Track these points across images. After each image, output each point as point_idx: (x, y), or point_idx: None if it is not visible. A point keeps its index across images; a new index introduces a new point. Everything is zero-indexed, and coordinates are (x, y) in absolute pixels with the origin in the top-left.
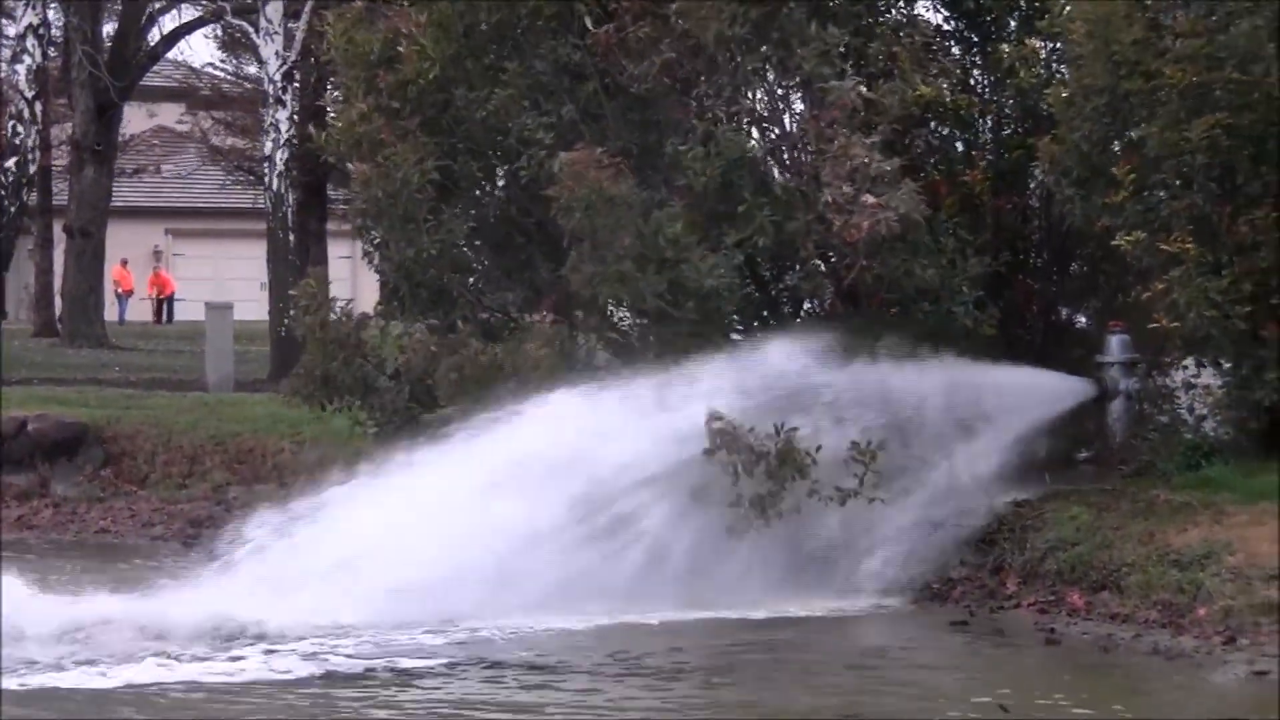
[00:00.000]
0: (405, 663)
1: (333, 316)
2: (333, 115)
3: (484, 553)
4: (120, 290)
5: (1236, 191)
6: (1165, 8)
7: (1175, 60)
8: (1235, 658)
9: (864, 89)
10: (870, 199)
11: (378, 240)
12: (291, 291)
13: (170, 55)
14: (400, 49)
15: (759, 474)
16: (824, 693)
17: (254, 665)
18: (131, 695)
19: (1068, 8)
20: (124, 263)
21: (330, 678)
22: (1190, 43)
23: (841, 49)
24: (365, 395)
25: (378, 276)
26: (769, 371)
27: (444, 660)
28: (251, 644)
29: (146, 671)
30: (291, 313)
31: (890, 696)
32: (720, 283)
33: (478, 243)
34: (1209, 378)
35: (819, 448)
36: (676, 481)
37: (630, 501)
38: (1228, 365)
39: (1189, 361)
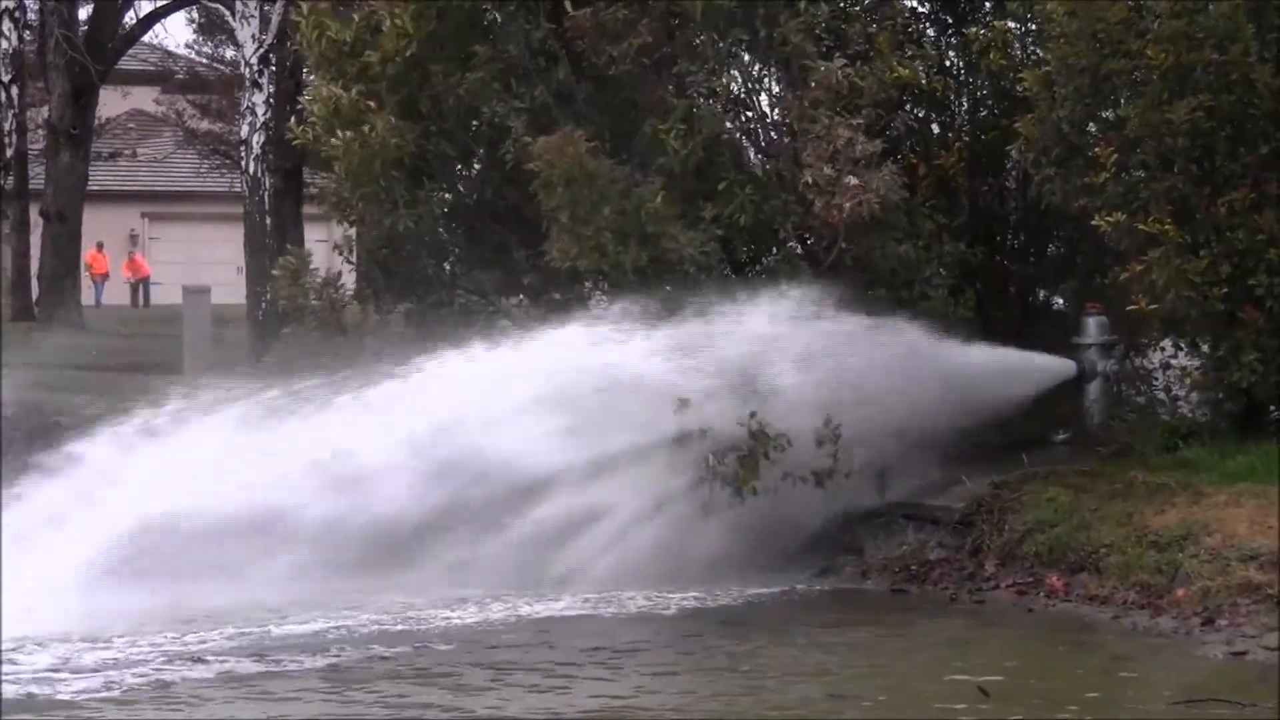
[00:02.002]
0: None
1: (315, 301)
2: (307, 100)
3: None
4: (93, 274)
5: (1215, 173)
6: None
7: (1156, 40)
8: (1213, 638)
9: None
10: (853, 180)
11: (354, 217)
12: (275, 271)
13: (146, 38)
14: (382, 30)
15: (730, 460)
16: (805, 675)
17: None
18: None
19: None
20: (99, 246)
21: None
22: (1170, 24)
23: (822, 27)
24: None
25: (352, 265)
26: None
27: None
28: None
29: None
30: (270, 290)
31: (871, 678)
32: (700, 254)
33: (454, 225)
34: (1186, 359)
35: (780, 435)
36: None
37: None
38: (1205, 346)
39: (1166, 343)
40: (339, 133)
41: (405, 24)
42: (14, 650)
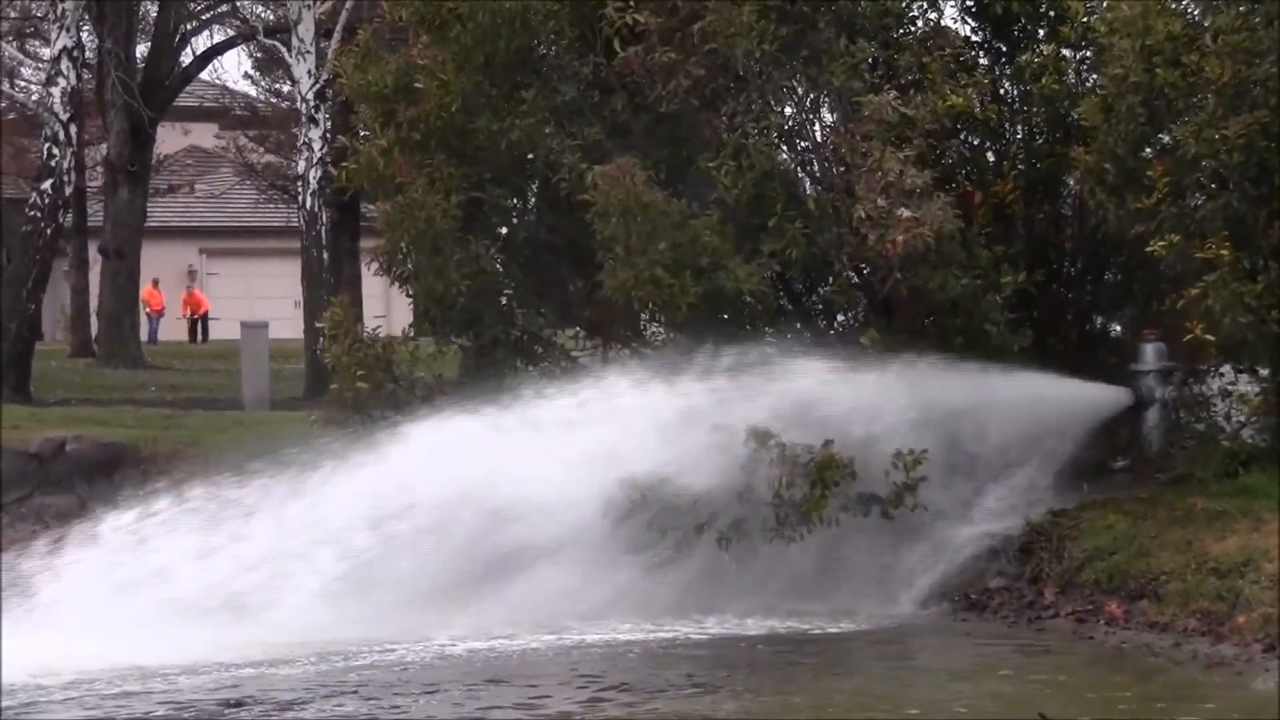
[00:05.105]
0: None
1: (360, 343)
2: (352, 153)
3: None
4: (150, 310)
5: (1274, 193)
6: (1205, 4)
7: (1215, 55)
8: (1275, 665)
9: (897, 102)
10: (905, 213)
11: (405, 273)
12: (319, 325)
13: (203, 75)
14: (418, 83)
15: (800, 482)
16: (864, 704)
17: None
18: None
19: (1094, 16)
20: (155, 283)
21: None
22: (1231, 38)
23: (870, 61)
24: (397, 418)
25: (408, 298)
26: (810, 384)
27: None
28: None
29: None
30: (321, 342)
31: (932, 706)
32: (758, 289)
33: (510, 260)
34: (1245, 385)
35: (851, 459)
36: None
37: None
38: (1264, 372)
39: (1225, 368)
40: (380, 204)
41: (449, 77)
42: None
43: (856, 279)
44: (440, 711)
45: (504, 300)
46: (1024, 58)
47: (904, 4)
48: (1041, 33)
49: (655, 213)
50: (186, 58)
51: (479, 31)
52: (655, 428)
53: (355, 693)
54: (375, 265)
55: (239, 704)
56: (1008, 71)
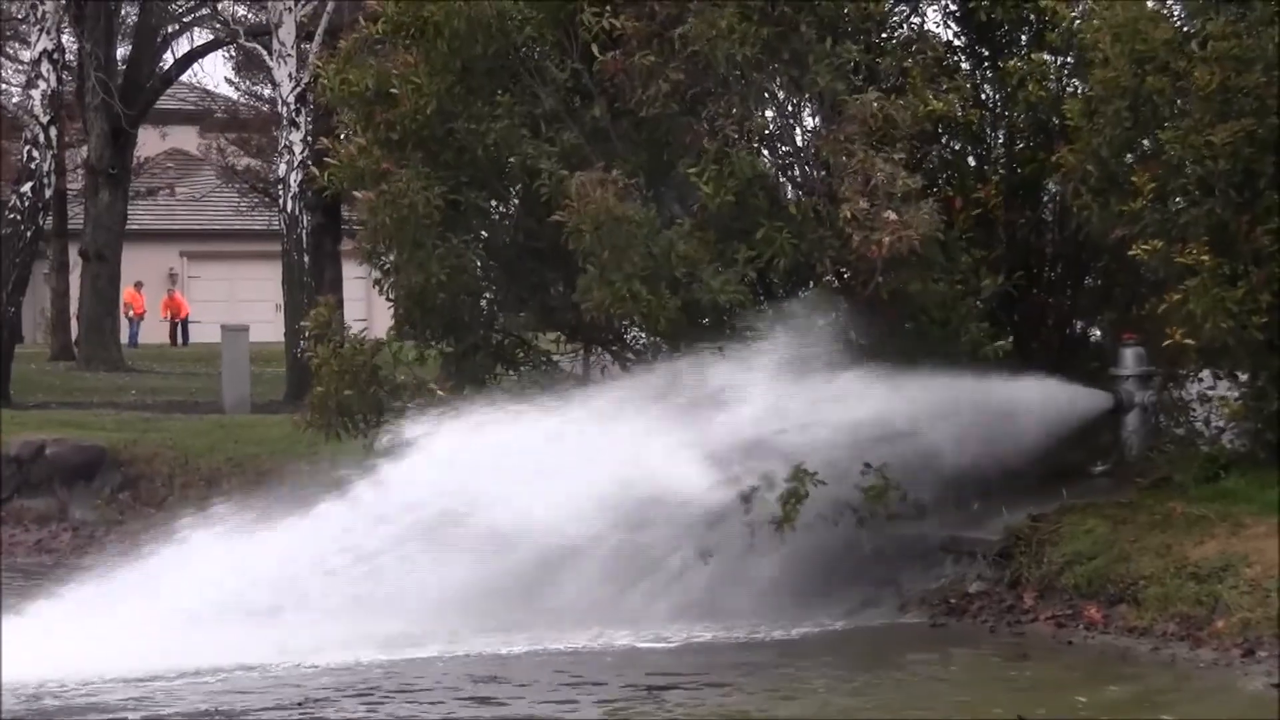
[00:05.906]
0: None
1: (345, 346)
2: (331, 153)
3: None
4: (132, 313)
5: (1256, 200)
6: (1195, 11)
7: (1204, 61)
8: (1254, 670)
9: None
10: (891, 215)
11: (387, 266)
12: (304, 322)
13: (184, 78)
14: (393, 89)
15: (771, 500)
16: (844, 707)
17: None
18: None
19: (1079, 21)
20: (137, 285)
21: None
22: (1220, 44)
23: (852, 65)
24: (380, 421)
25: (388, 302)
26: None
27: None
28: None
29: None
30: (303, 343)
31: (909, 710)
32: (734, 298)
33: (491, 262)
34: (1225, 389)
35: (815, 473)
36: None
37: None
38: (1244, 376)
39: (1205, 373)
40: (362, 192)
41: (423, 81)
42: None
43: (838, 282)
44: None
45: (484, 303)
46: (1009, 65)
47: (886, 7)
48: (1024, 38)
49: (630, 225)
50: (167, 61)
51: (455, 39)
52: None
53: None
54: (359, 259)
55: None
56: (989, 76)
